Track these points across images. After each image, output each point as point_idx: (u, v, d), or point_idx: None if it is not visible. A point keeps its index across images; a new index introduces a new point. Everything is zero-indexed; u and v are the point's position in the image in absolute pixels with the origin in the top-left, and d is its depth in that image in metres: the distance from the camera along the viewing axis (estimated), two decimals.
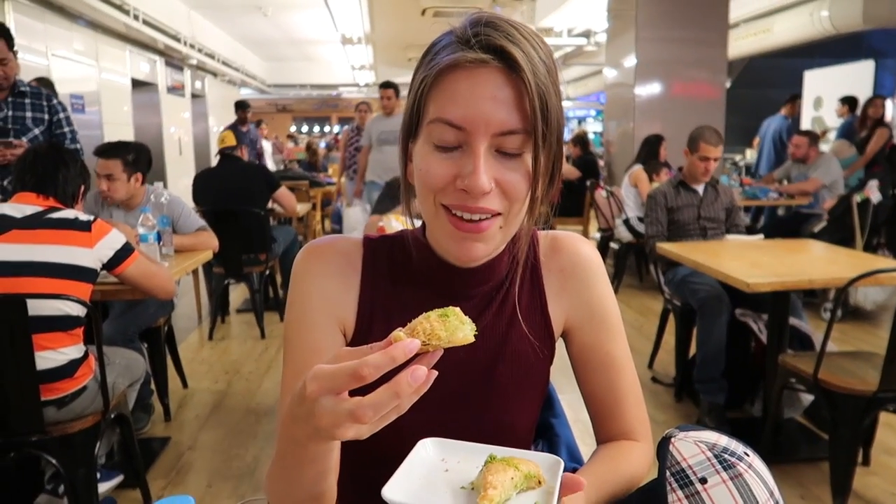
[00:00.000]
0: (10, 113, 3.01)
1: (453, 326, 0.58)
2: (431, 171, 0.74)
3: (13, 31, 5.69)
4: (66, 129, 3.18)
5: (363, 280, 0.88)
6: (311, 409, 0.54)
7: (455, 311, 0.60)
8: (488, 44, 0.71)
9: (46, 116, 3.11)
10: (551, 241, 0.92)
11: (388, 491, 0.65)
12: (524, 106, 0.71)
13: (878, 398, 2.10)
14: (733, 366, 2.93)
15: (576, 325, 0.91)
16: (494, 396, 0.88)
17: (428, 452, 0.74)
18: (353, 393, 0.53)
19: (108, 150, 2.86)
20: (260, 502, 1.55)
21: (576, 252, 0.92)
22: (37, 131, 3.06)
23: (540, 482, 0.68)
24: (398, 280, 0.87)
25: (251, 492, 2.43)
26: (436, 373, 0.54)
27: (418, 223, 0.87)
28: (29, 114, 3.05)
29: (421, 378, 0.52)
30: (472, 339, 0.59)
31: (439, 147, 0.74)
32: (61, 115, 3.16)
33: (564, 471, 1.05)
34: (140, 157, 2.92)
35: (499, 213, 0.74)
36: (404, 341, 0.53)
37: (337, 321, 0.86)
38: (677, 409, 3.14)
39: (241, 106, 7.90)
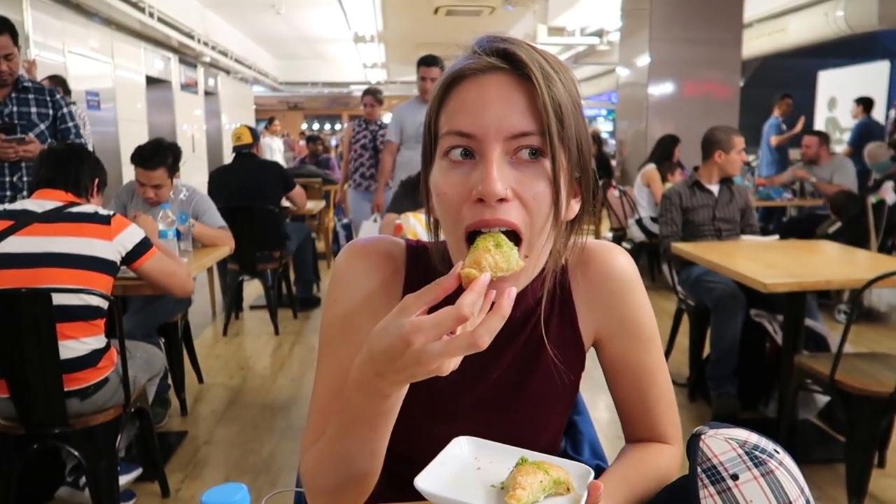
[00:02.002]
0: (14, 109, 3.00)
1: (508, 255, 0.64)
2: (446, 189, 0.71)
3: (31, 29, 5.79)
4: (71, 124, 3.16)
5: (406, 287, 0.87)
6: (416, 357, 0.59)
7: (503, 238, 0.66)
8: (493, 49, 0.70)
9: (51, 111, 3.09)
10: (580, 252, 0.86)
11: (420, 481, 0.67)
12: (536, 107, 0.69)
13: (895, 400, 2.09)
14: (747, 366, 2.93)
15: (606, 336, 0.90)
16: (525, 411, 0.89)
17: (462, 450, 0.76)
18: None
19: (150, 160, 2.86)
20: (282, 496, 1.57)
21: (606, 263, 0.88)
22: (42, 126, 3.04)
23: (569, 489, 0.69)
24: None
25: (268, 486, 2.45)
26: (516, 289, 0.62)
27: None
28: (34, 109, 3.04)
29: (514, 297, 0.60)
30: (524, 264, 0.67)
31: (453, 161, 0.71)
32: (65, 110, 3.14)
33: (591, 468, 1.06)
34: (177, 156, 2.97)
35: (518, 227, 0.69)
36: (482, 277, 0.60)
37: (377, 321, 0.86)
38: (690, 409, 3.14)
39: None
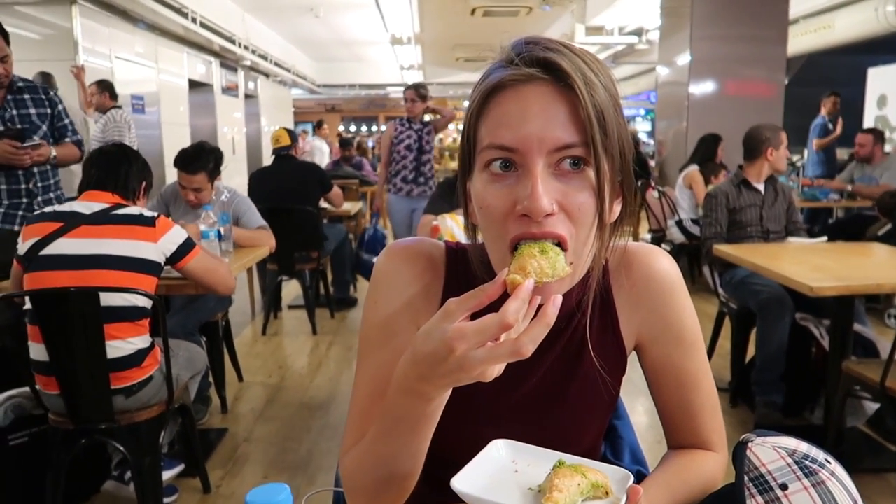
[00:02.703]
0: (14, 112, 2.90)
1: (553, 261, 0.64)
2: (489, 202, 0.70)
3: (80, 35, 5.96)
4: (67, 121, 3.10)
5: (445, 290, 0.86)
6: (459, 363, 0.59)
7: (549, 245, 0.65)
8: (532, 58, 0.68)
9: (48, 110, 3.02)
10: (622, 254, 0.85)
11: (457, 482, 0.67)
12: (579, 117, 0.67)
13: None
14: (793, 372, 2.85)
15: (648, 341, 0.88)
16: (565, 415, 0.88)
17: (500, 453, 0.75)
18: None
19: (192, 164, 2.92)
20: (320, 495, 1.58)
21: (648, 266, 0.87)
22: (44, 127, 2.97)
23: (607, 493, 0.68)
24: None
25: (306, 484, 2.48)
26: (561, 297, 0.61)
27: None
28: (33, 110, 2.95)
29: (559, 304, 0.59)
30: (570, 271, 0.66)
31: (494, 174, 0.70)
32: (60, 107, 3.07)
33: (632, 473, 1.05)
34: (218, 160, 3.02)
35: (564, 237, 0.68)
36: (526, 284, 0.59)
37: (417, 324, 0.85)
38: (732, 414, 3.07)
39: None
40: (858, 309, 2.71)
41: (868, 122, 9.58)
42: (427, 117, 4.91)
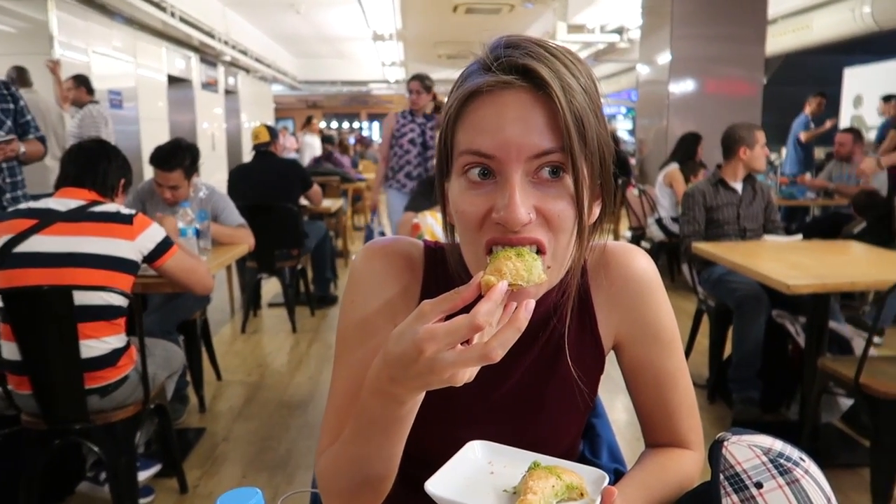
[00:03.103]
0: None
1: (530, 266, 0.63)
2: (466, 208, 0.69)
3: (55, 29, 5.87)
4: (29, 117, 3.05)
5: (423, 289, 0.86)
6: (429, 365, 0.58)
7: (526, 250, 0.65)
8: (510, 64, 0.67)
9: (12, 105, 2.97)
10: (601, 254, 0.85)
11: (431, 485, 0.66)
12: (557, 125, 0.66)
13: None
14: (769, 368, 2.89)
15: (626, 341, 0.88)
16: (543, 417, 0.88)
17: (476, 454, 0.75)
18: None
19: (168, 161, 2.87)
20: (298, 496, 1.57)
21: (626, 265, 0.87)
22: (9, 122, 2.90)
23: (582, 494, 0.68)
24: None
25: (285, 482, 2.46)
26: (534, 301, 0.59)
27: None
28: None
29: (532, 309, 0.58)
30: (546, 278, 0.64)
31: (472, 181, 0.69)
32: (22, 103, 3.02)
33: (609, 472, 1.05)
34: (195, 157, 2.97)
35: (542, 242, 0.68)
36: (499, 285, 0.58)
37: (394, 324, 0.84)
38: (710, 410, 3.10)
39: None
40: (834, 306, 2.75)
41: (844, 121, 9.73)
42: (429, 110, 4.56)
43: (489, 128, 0.67)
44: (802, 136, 7.41)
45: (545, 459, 0.72)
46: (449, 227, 0.80)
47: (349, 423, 0.73)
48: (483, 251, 0.69)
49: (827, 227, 5.12)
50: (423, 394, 0.66)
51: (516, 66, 0.67)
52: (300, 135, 10.78)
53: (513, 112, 0.66)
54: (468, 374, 0.60)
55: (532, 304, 0.58)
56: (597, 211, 0.75)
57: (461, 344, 0.58)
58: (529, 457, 0.73)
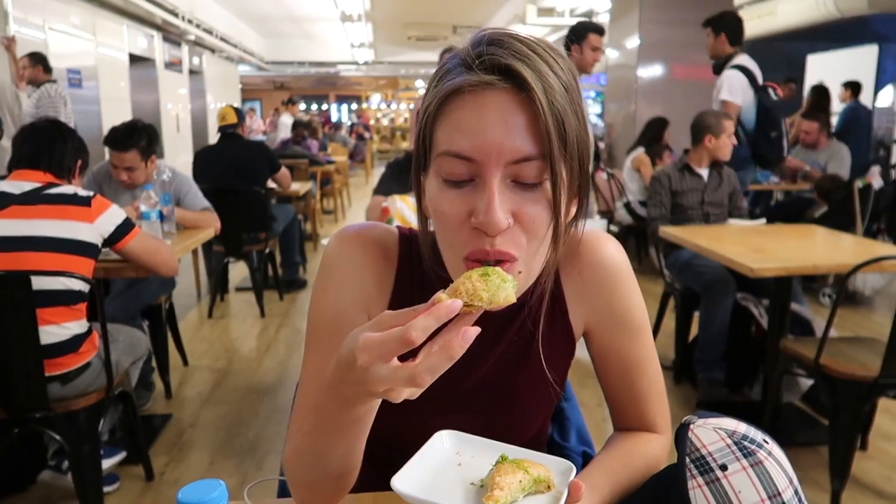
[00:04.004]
0: None
1: (495, 286, 0.57)
2: (444, 209, 0.69)
3: (10, 4, 5.64)
4: None
5: (398, 277, 0.85)
6: (363, 376, 0.55)
7: (497, 270, 0.59)
8: (493, 64, 0.66)
9: None
10: (570, 241, 0.84)
11: (397, 481, 0.65)
12: (538, 129, 0.65)
13: (879, 384, 2.11)
14: (733, 350, 2.95)
15: (596, 327, 0.88)
16: (513, 406, 0.88)
17: (444, 444, 0.75)
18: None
19: (123, 142, 2.78)
20: (266, 483, 1.56)
21: (595, 252, 0.87)
22: None
23: (549, 487, 0.68)
24: (425, 283, 0.84)
25: (253, 469, 2.45)
26: (478, 329, 0.54)
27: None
28: None
29: (471, 338, 0.53)
30: (514, 300, 0.59)
31: (449, 182, 0.68)
32: None
33: (578, 454, 1.06)
34: (151, 139, 2.88)
35: (515, 259, 0.68)
36: (447, 302, 0.53)
37: (368, 315, 0.84)
38: (676, 391, 3.16)
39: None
40: (796, 289, 2.81)
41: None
42: None
43: (469, 130, 0.66)
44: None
45: (513, 451, 0.72)
46: (422, 217, 0.79)
47: (310, 416, 0.72)
48: (462, 263, 0.69)
49: (790, 211, 5.23)
50: (378, 401, 0.63)
51: (499, 66, 0.66)
52: (280, 113, 10.58)
53: (494, 115, 0.65)
54: (407, 392, 0.56)
55: (472, 333, 0.53)
56: (573, 210, 0.75)
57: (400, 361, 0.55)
58: (498, 447, 0.73)
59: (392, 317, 0.56)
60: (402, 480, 0.65)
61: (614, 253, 0.88)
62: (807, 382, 2.69)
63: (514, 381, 0.86)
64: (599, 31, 3.56)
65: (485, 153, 0.65)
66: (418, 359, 0.53)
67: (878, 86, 9.43)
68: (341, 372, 0.58)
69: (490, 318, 0.67)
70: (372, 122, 22.00)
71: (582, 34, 3.48)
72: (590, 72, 3.68)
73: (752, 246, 2.69)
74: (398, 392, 0.55)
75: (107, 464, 2.28)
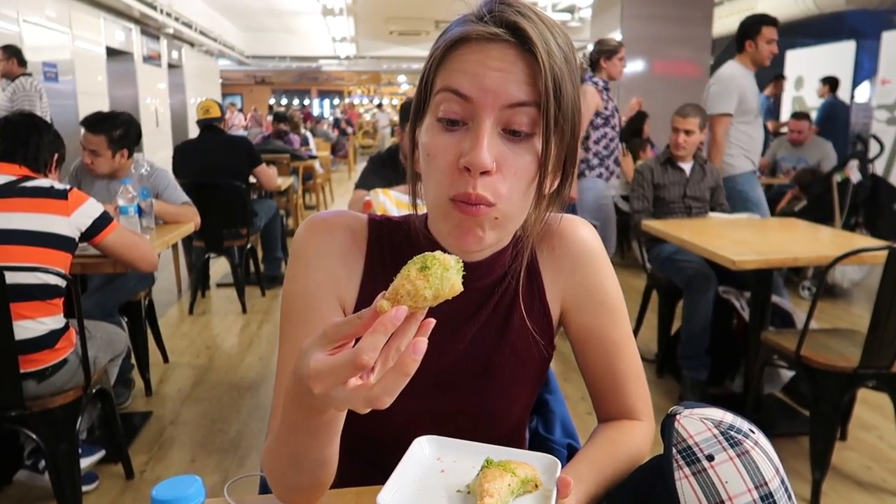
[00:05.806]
0: None
1: (437, 279, 0.53)
2: (436, 149, 0.71)
3: None
4: None
5: (367, 262, 0.85)
6: (323, 401, 0.54)
7: (436, 258, 0.54)
8: (501, 19, 0.69)
9: None
10: (548, 221, 0.86)
11: (382, 498, 0.64)
12: (536, 83, 0.68)
13: (858, 375, 2.13)
14: (715, 342, 2.96)
15: (572, 307, 0.89)
16: (492, 387, 0.87)
17: (424, 451, 0.74)
18: None
19: (95, 124, 2.75)
20: (247, 480, 1.54)
21: (570, 234, 0.89)
22: None
23: (537, 485, 0.68)
24: (399, 267, 0.83)
25: (235, 466, 2.42)
26: (425, 341, 0.51)
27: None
28: None
29: (422, 350, 0.51)
30: (460, 289, 0.54)
31: (445, 120, 0.71)
32: None
33: (562, 447, 1.05)
34: (128, 133, 2.82)
35: (493, 205, 0.69)
36: (390, 313, 0.50)
37: (339, 300, 0.84)
38: (659, 384, 3.17)
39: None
40: (777, 281, 2.83)
41: (786, 103, 10.01)
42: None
43: (471, 71, 0.69)
44: (771, 126, 7.60)
45: (495, 452, 0.71)
46: (412, 197, 0.81)
47: (280, 418, 0.70)
48: (447, 202, 0.71)
49: (770, 204, 5.27)
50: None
51: (506, 22, 0.69)
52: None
53: (496, 62, 0.68)
54: (370, 408, 0.53)
55: (422, 344, 0.51)
56: (556, 183, 0.77)
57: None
58: (479, 449, 0.72)
59: (336, 328, 0.54)
60: (387, 496, 0.65)
61: (588, 235, 0.90)
62: (788, 374, 2.72)
63: (492, 359, 0.86)
64: (773, 22, 3.46)
65: (482, 94, 0.68)
66: (374, 376, 0.52)
67: (856, 81, 9.55)
68: (301, 391, 0.56)
69: (466, 293, 0.63)
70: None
71: (756, 29, 3.42)
72: (766, 65, 3.58)
73: (733, 239, 2.71)
74: (362, 409, 0.53)
75: (85, 462, 2.25)
